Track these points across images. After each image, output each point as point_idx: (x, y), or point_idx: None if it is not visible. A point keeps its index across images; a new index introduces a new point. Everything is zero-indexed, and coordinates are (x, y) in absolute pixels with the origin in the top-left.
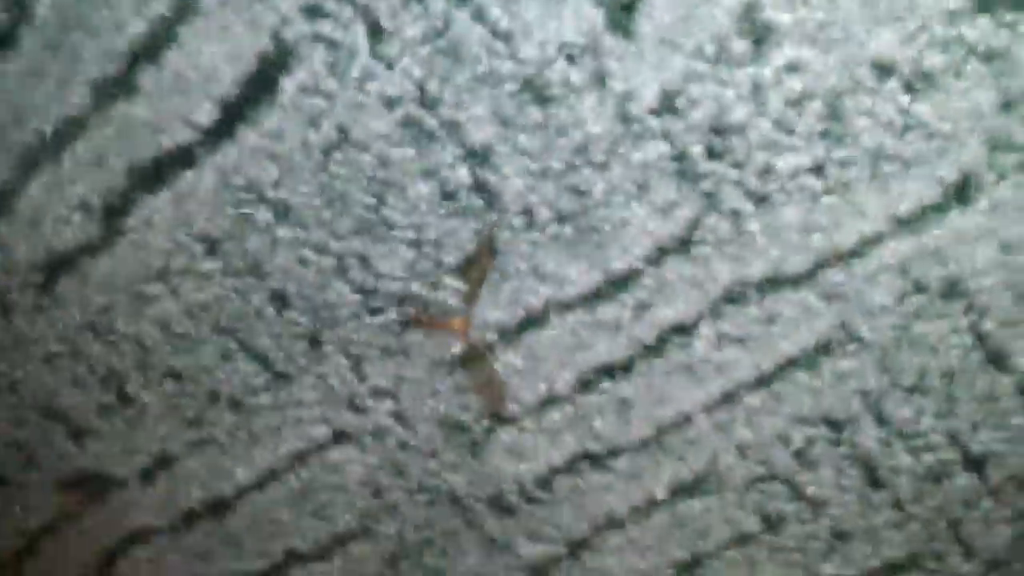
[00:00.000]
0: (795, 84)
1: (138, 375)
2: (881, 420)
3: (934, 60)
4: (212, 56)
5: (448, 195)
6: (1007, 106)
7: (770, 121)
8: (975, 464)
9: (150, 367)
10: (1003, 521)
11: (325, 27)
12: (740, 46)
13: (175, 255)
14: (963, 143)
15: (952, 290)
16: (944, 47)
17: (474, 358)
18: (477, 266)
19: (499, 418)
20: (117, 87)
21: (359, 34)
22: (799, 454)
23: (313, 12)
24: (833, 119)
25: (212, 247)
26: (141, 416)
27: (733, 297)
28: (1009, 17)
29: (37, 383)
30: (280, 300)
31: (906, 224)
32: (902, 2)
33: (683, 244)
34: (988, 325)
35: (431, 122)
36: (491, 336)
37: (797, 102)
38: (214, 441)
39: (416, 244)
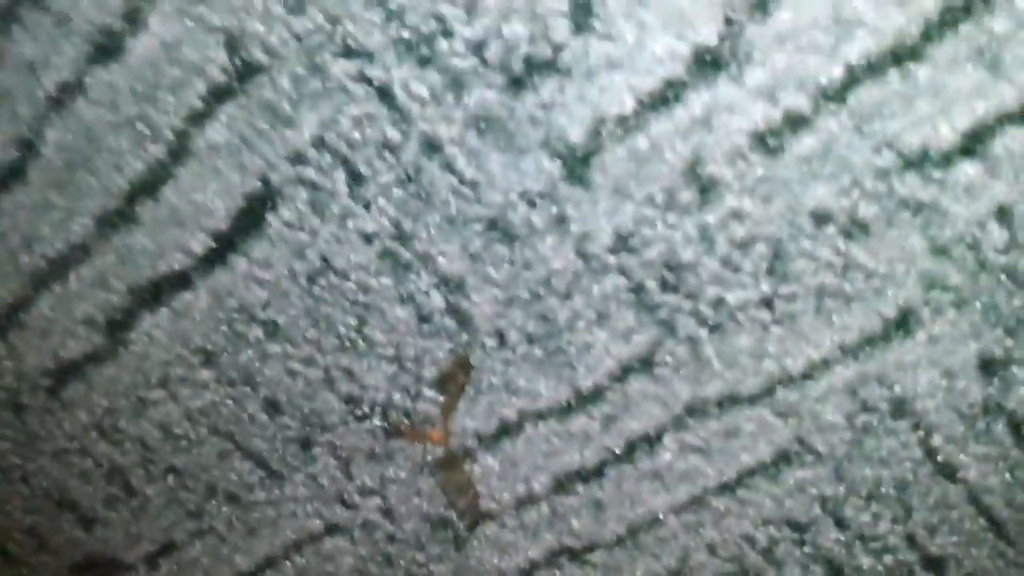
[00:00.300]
0: (739, 230)
1: (141, 470)
2: (841, 524)
3: (868, 211)
4: (205, 194)
5: (424, 318)
6: (939, 251)
7: (718, 260)
8: (934, 565)
9: (152, 463)
10: None
11: (308, 172)
12: (687, 196)
13: (174, 365)
14: (900, 283)
15: (899, 410)
16: (876, 199)
17: (451, 464)
18: (454, 381)
19: (474, 522)
20: (118, 218)
21: (339, 179)
22: (766, 553)
23: (297, 159)
24: (777, 260)
25: (208, 359)
26: (145, 507)
27: (694, 412)
28: (936, 174)
29: (49, 475)
30: (272, 407)
31: (851, 352)
32: (835, 160)
33: (645, 364)
34: (936, 441)
35: (406, 255)
36: (471, 443)
37: (742, 245)
38: (214, 531)
39: (396, 360)
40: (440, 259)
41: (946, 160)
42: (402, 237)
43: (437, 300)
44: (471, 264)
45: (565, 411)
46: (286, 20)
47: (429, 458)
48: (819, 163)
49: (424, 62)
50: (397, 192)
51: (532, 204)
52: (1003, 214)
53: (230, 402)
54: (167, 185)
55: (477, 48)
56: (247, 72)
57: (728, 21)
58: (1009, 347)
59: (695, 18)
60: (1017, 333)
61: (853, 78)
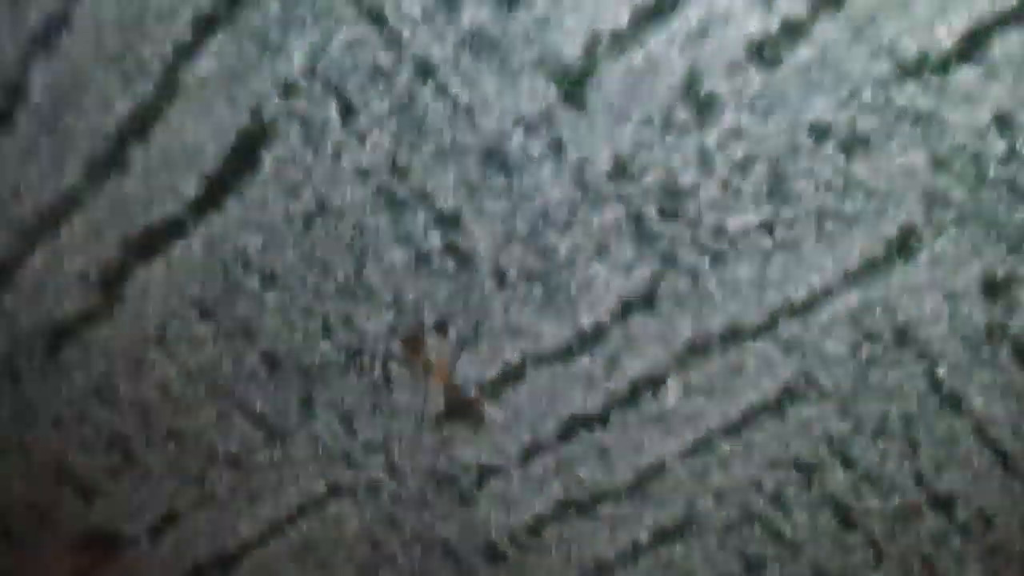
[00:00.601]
0: (738, 149)
1: (141, 437)
2: (848, 464)
3: (867, 123)
4: (196, 133)
5: (422, 258)
6: (940, 164)
7: (717, 184)
8: (943, 504)
9: (152, 429)
10: (975, 558)
11: (300, 104)
12: (684, 115)
13: (171, 321)
14: (901, 201)
15: (903, 339)
16: (875, 111)
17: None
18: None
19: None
20: (109, 163)
21: (331, 110)
22: (773, 498)
23: (288, 90)
24: (776, 181)
25: (205, 312)
26: (146, 476)
27: (696, 350)
28: (935, 81)
29: (47, 447)
30: (271, 361)
31: (854, 278)
32: (833, 71)
33: (646, 301)
34: (941, 371)
35: (402, 191)
36: (474, 391)
37: (742, 165)
38: (216, 498)
39: (396, 305)
40: (437, 194)
41: (944, 66)
42: (397, 172)
43: (434, 239)
44: (468, 198)
45: (568, 353)
46: None
47: (437, 407)
48: (817, 74)
49: None
50: (391, 123)
51: (528, 130)
52: (1003, 122)
53: (228, 358)
54: (157, 126)
55: None
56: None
57: None
58: (1012, 265)
59: None
60: (1020, 248)
61: None
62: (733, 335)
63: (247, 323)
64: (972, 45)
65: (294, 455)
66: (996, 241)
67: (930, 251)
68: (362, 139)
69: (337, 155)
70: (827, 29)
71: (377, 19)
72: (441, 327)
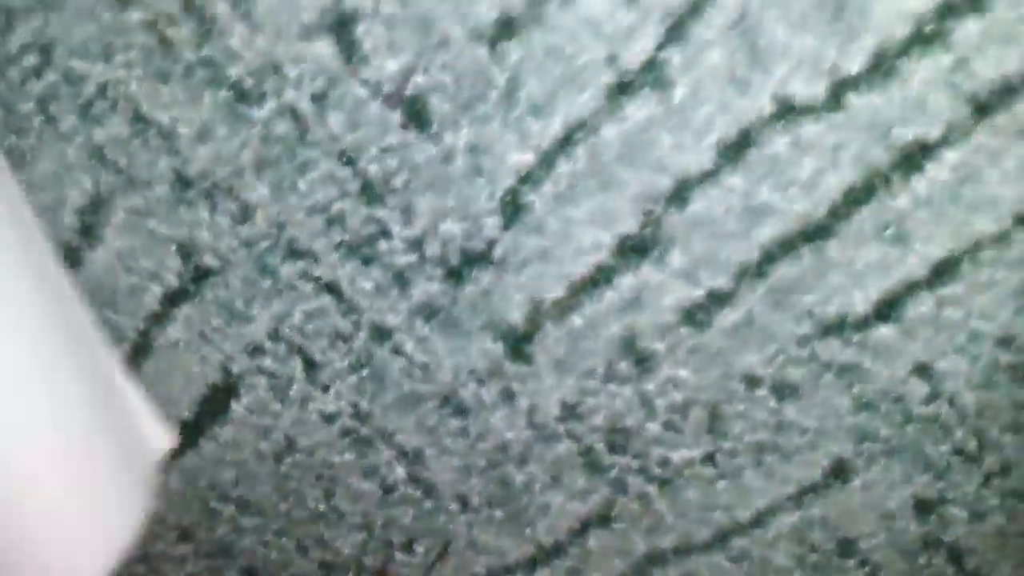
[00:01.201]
0: (677, 395)
1: None
2: None
3: (795, 374)
4: (169, 387)
5: (388, 488)
6: (865, 406)
7: (660, 424)
8: None
9: None
10: None
11: (266, 362)
12: (625, 367)
13: (153, 541)
14: (831, 437)
15: (846, 550)
16: (801, 363)
17: None
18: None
19: None
20: None
21: (296, 367)
22: None
23: (255, 351)
24: (715, 421)
25: (185, 534)
26: None
27: (652, 560)
28: (855, 337)
29: None
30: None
31: (794, 500)
32: (759, 331)
33: (602, 520)
34: None
35: (366, 431)
36: None
37: (681, 409)
38: None
39: (366, 527)
40: (398, 435)
41: (863, 325)
42: (360, 416)
43: (399, 471)
44: (428, 437)
45: (531, 565)
46: (234, 228)
47: None
48: (745, 333)
49: (367, 260)
50: (352, 376)
51: (480, 382)
52: (922, 371)
53: (208, 573)
54: (132, 379)
55: (415, 245)
56: (200, 276)
57: (647, 212)
58: (941, 488)
59: (617, 212)
60: (947, 475)
61: (768, 257)
62: (686, 550)
63: (226, 544)
64: (887, 308)
65: None
66: (924, 469)
67: (863, 478)
68: (326, 389)
69: (303, 403)
70: (750, 297)
71: (335, 292)
72: (409, 547)
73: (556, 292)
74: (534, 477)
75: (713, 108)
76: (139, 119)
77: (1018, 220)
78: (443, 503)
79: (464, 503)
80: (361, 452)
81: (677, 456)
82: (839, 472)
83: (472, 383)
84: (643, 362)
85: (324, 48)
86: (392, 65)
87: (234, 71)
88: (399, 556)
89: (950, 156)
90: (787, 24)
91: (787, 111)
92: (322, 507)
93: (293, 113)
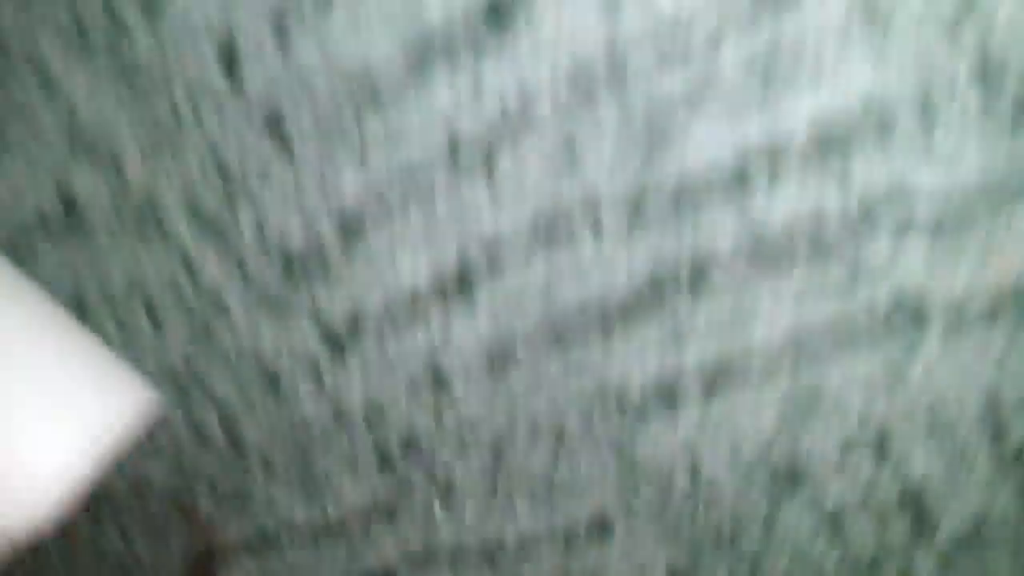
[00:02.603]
0: (467, 423)
1: None
2: None
3: (572, 428)
4: None
5: (204, 439)
6: (631, 468)
7: (449, 443)
8: None
9: None
10: None
11: (118, 311)
12: (426, 388)
13: None
14: (599, 489)
15: None
16: (580, 424)
17: None
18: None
19: None
20: None
21: (142, 316)
22: None
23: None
24: (498, 453)
25: None
26: None
27: (428, 559)
28: (633, 414)
29: None
30: None
31: (559, 539)
32: (550, 383)
33: (386, 512)
34: None
35: (190, 384)
36: None
37: (470, 434)
38: None
39: (179, 471)
40: (219, 393)
41: (642, 408)
42: (190, 370)
43: (215, 426)
44: (244, 402)
45: (316, 533)
46: (109, 183)
47: None
48: (536, 387)
49: (219, 241)
50: (186, 331)
51: (298, 365)
52: (688, 451)
53: None
54: None
55: (260, 235)
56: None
57: (463, 256)
58: (694, 563)
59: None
60: (701, 553)
61: (576, 319)
62: (458, 556)
63: None
64: (665, 394)
65: None
66: (679, 543)
67: (623, 535)
68: (163, 339)
69: (142, 354)
70: (541, 356)
71: (187, 265)
72: (214, 493)
73: (374, 307)
74: (332, 458)
75: (528, 187)
76: None
77: (786, 352)
78: (249, 462)
79: (268, 466)
80: (184, 401)
81: (460, 472)
82: (601, 525)
83: (290, 363)
84: (442, 388)
85: (213, 67)
86: (260, 87)
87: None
88: (203, 501)
89: (732, 274)
90: (600, 136)
91: (592, 208)
92: (144, 445)
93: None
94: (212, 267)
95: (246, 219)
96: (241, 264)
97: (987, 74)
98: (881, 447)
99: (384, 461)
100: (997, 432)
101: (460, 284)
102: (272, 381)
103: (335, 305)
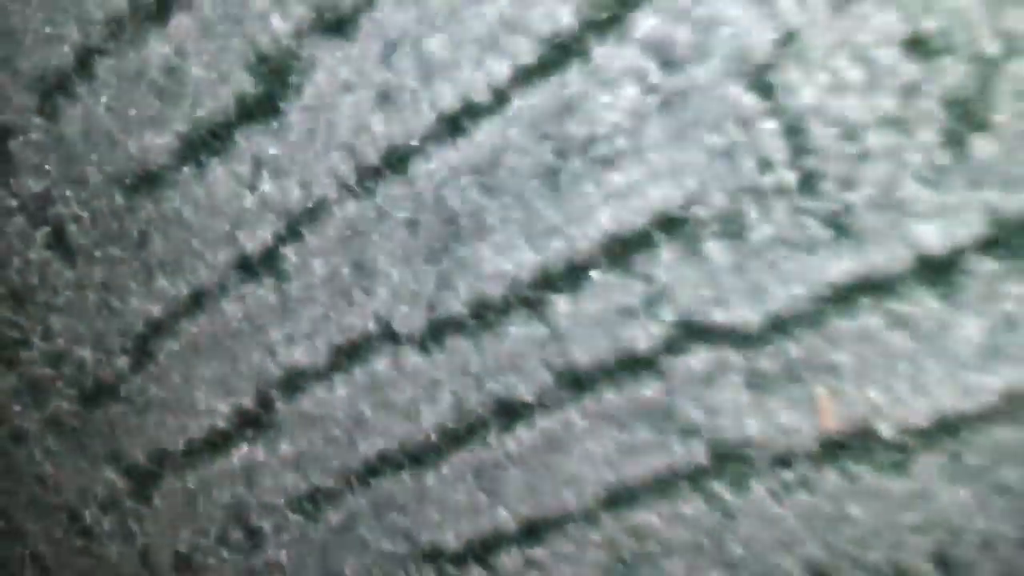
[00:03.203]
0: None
1: None
2: None
3: None
4: None
5: None
6: None
7: None
8: None
9: None
10: None
11: None
12: (235, 537)
13: None
14: None
15: None
16: None
17: None
18: None
19: None
20: None
21: None
22: None
23: None
24: None
25: None
26: None
27: None
28: (451, 570)
29: None
30: None
31: None
32: (358, 539)
33: None
34: None
35: (5, 528)
36: None
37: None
38: None
39: None
40: (30, 538)
41: (457, 561)
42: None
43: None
44: (54, 547)
45: None
46: None
47: None
48: (347, 537)
49: (8, 364)
50: None
51: (103, 509)
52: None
53: None
54: None
55: (54, 361)
56: None
57: (262, 393)
58: None
59: (235, 385)
60: None
61: (372, 470)
62: None
63: None
64: (480, 551)
65: None
66: None
67: None
68: None
69: None
70: (354, 503)
71: None
72: None
73: (176, 445)
74: None
75: (322, 311)
76: None
77: (605, 503)
78: None
79: None
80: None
81: None
82: None
83: (95, 508)
84: (252, 536)
85: None
86: (36, 186)
87: None
88: None
89: (542, 423)
90: (390, 252)
91: (389, 337)
92: None
93: None
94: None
95: (39, 343)
96: (36, 389)
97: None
98: None
99: None
100: None
101: (260, 419)
102: (80, 527)
103: (134, 441)
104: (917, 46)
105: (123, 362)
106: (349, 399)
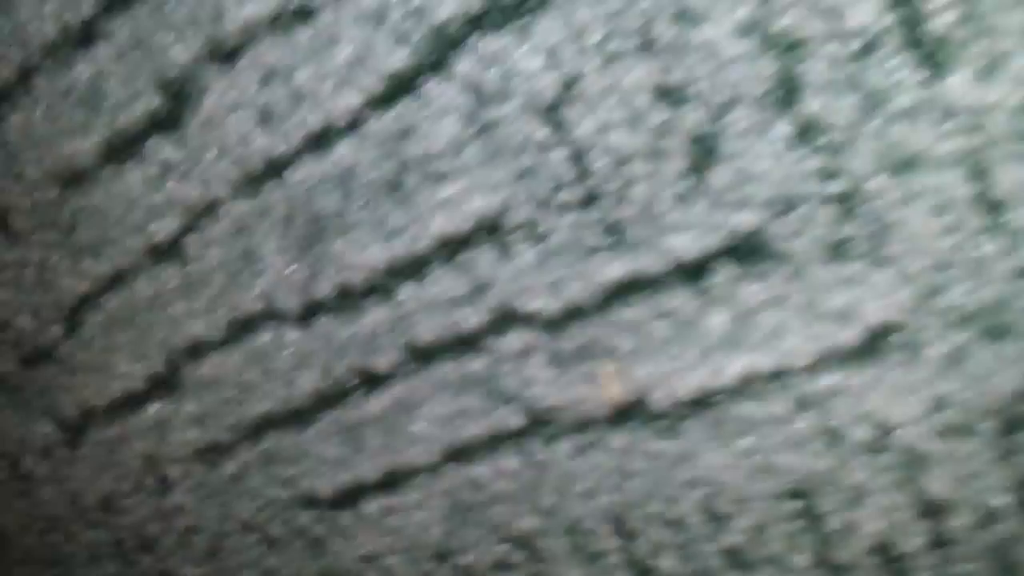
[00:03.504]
0: (183, 520)
1: None
2: None
3: (278, 530)
4: None
5: None
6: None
7: (174, 539)
8: None
9: None
10: None
11: None
12: (149, 483)
13: None
14: None
15: None
16: (284, 523)
17: None
18: None
19: None
20: None
21: None
22: None
23: None
24: (216, 551)
25: None
26: None
27: None
28: (324, 515)
29: None
30: None
31: None
32: (250, 487)
33: None
34: None
35: None
36: None
37: (187, 531)
38: None
39: None
40: None
41: (331, 505)
42: None
43: None
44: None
45: None
46: None
47: None
48: (240, 484)
49: None
50: None
51: (37, 457)
52: (370, 560)
53: None
54: None
55: None
56: None
57: (170, 360)
58: None
59: (147, 352)
60: None
61: (259, 427)
62: None
63: None
64: (347, 498)
65: None
66: None
67: None
68: None
69: None
70: (246, 455)
71: None
72: None
73: (101, 401)
74: (77, 547)
75: (218, 291)
76: None
77: (446, 458)
78: (8, 550)
79: (20, 550)
80: None
81: (187, 570)
82: None
83: (33, 455)
84: (163, 482)
85: None
86: None
87: None
88: None
89: (394, 390)
90: (272, 244)
91: (272, 315)
92: None
93: None
94: None
95: None
96: None
97: None
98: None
99: (123, 558)
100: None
101: (169, 381)
102: (19, 472)
103: (66, 398)
104: (666, 95)
105: (57, 330)
106: (241, 366)
